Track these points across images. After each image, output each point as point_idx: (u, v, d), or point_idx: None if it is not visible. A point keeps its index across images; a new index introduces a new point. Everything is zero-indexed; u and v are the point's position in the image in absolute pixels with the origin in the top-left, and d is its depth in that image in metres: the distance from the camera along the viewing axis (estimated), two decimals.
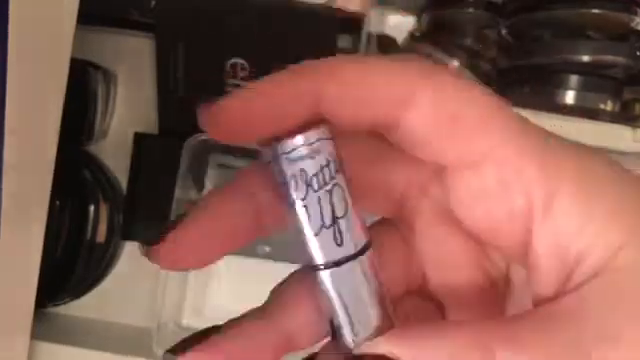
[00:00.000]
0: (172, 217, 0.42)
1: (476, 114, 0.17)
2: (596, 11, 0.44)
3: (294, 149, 0.17)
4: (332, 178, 0.17)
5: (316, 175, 0.17)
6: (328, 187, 0.17)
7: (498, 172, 0.17)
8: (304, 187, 0.17)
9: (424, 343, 0.17)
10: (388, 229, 0.21)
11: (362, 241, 0.18)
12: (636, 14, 0.44)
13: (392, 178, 0.20)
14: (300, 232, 0.17)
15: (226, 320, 0.19)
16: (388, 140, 0.19)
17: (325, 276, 0.17)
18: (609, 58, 0.45)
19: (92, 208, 0.49)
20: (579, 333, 0.16)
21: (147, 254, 0.18)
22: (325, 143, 0.17)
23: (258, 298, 0.20)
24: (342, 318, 0.18)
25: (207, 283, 0.52)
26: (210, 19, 0.47)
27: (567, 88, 0.46)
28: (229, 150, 0.50)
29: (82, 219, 0.48)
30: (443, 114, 0.17)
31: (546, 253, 0.17)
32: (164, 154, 0.50)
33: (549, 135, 0.18)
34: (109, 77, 0.51)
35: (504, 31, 0.50)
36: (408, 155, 0.19)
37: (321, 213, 0.17)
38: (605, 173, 0.18)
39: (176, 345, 0.18)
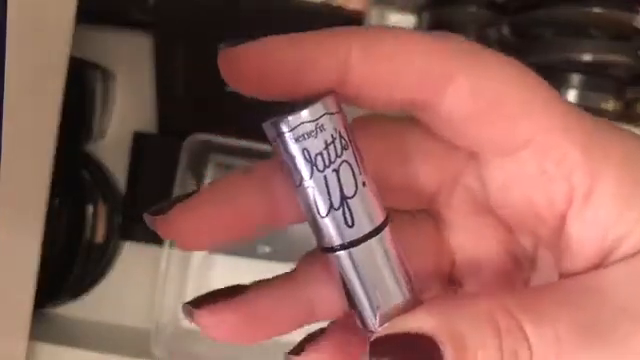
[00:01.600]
0: None
1: (518, 97, 0.16)
2: (598, 10, 0.44)
3: (296, 126, 0.16)
4: (338, 156, 0.16)
5: (321, 154, 0.16)
6: (335, 166, 0.16)
7: (540, 159, 0.17)
8: (309, 167, 0.16)
9: (452, 312, 0.16)
10: (420, 216, 0.20)
11: (377, 220, 0.17)
12: (638, 13, 0.44)
13: (423, 176, 0.19)
14: (309, 213, 0.17)
15: None
16: (414, 131, 0.18)
17: (339, 258, 0.17)
18: (611, 57, 0.45)
19: (91, 208, 0.48)
20: (600, 307, 0.16)
21: (151, 223, 0.17)
22: (331, 117, 0.16)
23: None
24: (362, 299, 0.17)
25: (206, 284, 0.52)
26: (210, 18, 0.47)
27: (569, 87, 0.46)
28: (229, 150, 0.49)
29: (81, 219, 0.48)
30: (482, 99, 0.16)
31: (580, 240, 0.17)
32: (163, 154, 0.50)
33: (593, 118, 0.17)
34: (108, 76, 0.50)
35: (505, 30, 0.49)
36: (438, 145, 0.18)
37: (329, 194, 0.16)
38: None
39: (200, 297, 0.18)
